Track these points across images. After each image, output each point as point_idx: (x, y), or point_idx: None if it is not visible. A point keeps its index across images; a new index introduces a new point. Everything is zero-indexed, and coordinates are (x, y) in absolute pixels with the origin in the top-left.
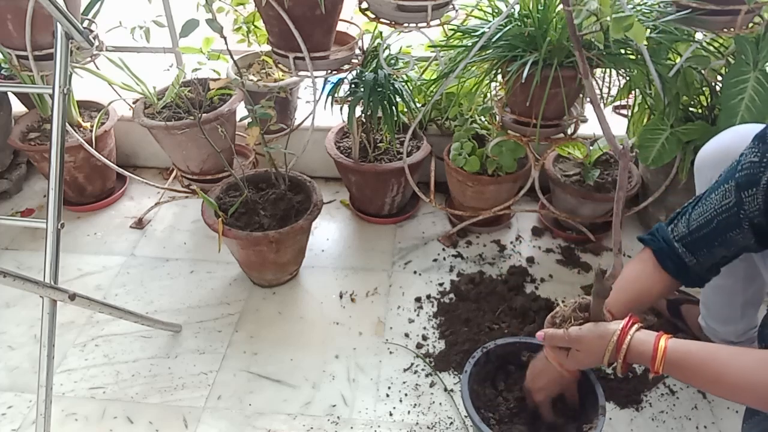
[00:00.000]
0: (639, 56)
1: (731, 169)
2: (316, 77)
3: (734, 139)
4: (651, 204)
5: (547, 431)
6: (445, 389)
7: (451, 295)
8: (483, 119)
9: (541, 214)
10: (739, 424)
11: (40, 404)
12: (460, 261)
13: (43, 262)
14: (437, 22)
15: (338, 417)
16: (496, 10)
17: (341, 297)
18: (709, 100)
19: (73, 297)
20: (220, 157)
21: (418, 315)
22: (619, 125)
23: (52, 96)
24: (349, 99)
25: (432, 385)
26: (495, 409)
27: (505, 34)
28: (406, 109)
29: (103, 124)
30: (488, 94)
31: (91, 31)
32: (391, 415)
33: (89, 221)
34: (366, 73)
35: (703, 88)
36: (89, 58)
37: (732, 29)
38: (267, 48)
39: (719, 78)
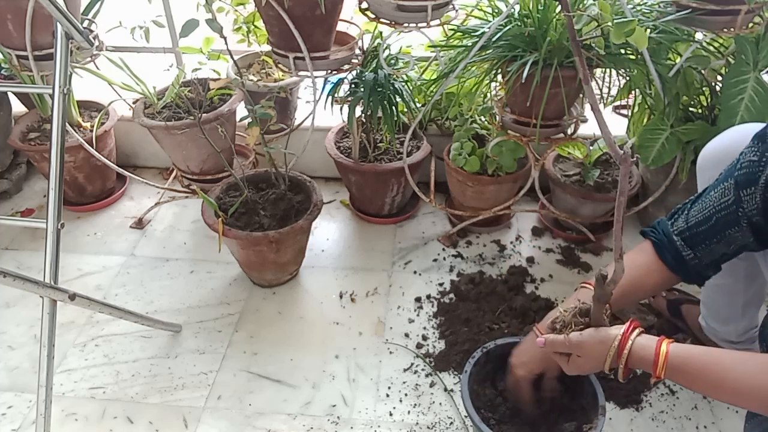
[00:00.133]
0: (639, 56)
1: (731, 167)
2: (316, 77)
3: (736, 139)
4: (651, 204)
5: (547, 431)
6: (445, 389)
7: (451, 295)
8: (483, 119)
9: (541, 214)
10: (739, 424)
11: (40, 404)
12: (460, 261)
13: (43, 262)
14: (437, 22)
15: (338, 417)
16: (496, 10)
17: (341, 297)
18: (709, 100)
19: (73, 297)
20: (220, 157)
21: (418, 315)
22: (619, 125)
23: (52, 96)
24: (349, 99)
25: (432, 385)
26: (495, 409)
27: (505, 34)
28: (406, 109)
29: (103, 124)
30: (488, 94)
31: (91, 31)
32: (391, 415)
33: (89, 221)
34: (366, 73)
35: (703, 88)
36: (89, 58)
37: (732, 29)
38: (267, 48)
39: (719, 78)
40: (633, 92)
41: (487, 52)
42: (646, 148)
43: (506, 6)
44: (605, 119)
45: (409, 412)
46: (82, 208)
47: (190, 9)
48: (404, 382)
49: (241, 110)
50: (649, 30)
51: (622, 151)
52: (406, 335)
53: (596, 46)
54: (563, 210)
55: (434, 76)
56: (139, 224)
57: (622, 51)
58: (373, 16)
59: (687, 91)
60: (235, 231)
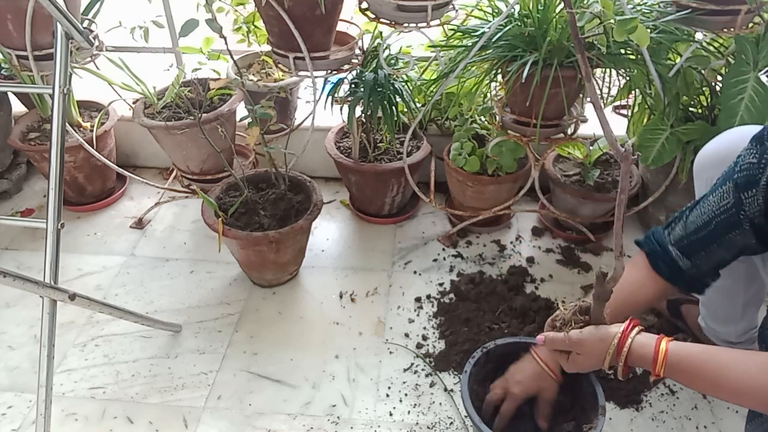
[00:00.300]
0: (639, 56)
1: (729, 170)
2: (316, 77)
3: (733, 141)
4: (651, 204)
5: (547, 431)
6: (445, 389)
7: (451, 295)
8: (483, 119)
9: (541, 214)
10: (739, 424)
11: (40, 404)
12: (460, 261)
13: (43, 262)
14: (437, 22)
15: (338, 417)
16: (496, 10)
17: (341, 297)
18: (709, 100)
19: (73, 297)
20: (220, 157)
21: (418, 315)
22: (619, 125)
23: (52, 96)
24: (349, 99)
25: (432, 385)
26: (495, 409)
27: (505, 34)
28: (406, 109)
29: (103, 124)
30: (488, 94)
31: (91, 31)
32: (391, 415)
33: (89, 221)
34: (366, 73)
35: (703, 88)
36: (89, 58)
37: (732, 29)
38: (267, 48)
39: (719, 78)
40: (633, 92)
41: (487, 52)
42: (646, 148)
43: (506, 6)
44: (607, 120)
45: (409, 412)
46: (82, 208)
47: (190, 9)
48: (404, 382)
49: (241, 110)
50: (649, 30)
51: (623, 149)
52: (406, 335)
53: (598, 44)
54: (563, 210)
55: (434, 76)
56: (139, 224)
57: (623, 51)
58: (373, 16)
59: (687, 91)
60: (235, 231)
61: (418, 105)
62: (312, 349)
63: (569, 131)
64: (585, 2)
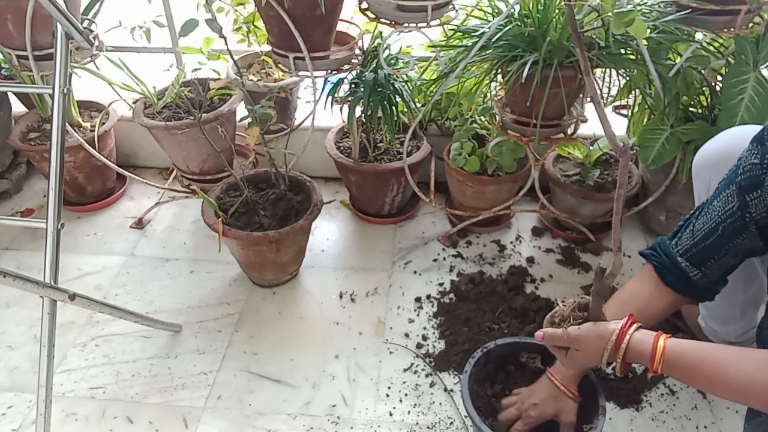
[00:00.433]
0: (639, 56)
1: (731, 173)
2: (316, 77)
3: (732, 141)
4: (651, 204)
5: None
6: (445, 389)
7: (451, 295)
8: (483, 119)
9: (541, 214)
10: (739, 423)
11: (40, 404)
12: (460, 261)
13: (43, 262)
14: (437, 22)
15: (338, 417)
16: (496, 10)
17: (341, 297)
18: (709, 100)
19: (73, 297)
20: (220, 157)
21: (418, 315)
22: (619, 125)
23: (52, 96)
24: (349, 99)
25: (432, 385)
26: (495, 410)
27: (505, 34)
28: (406, 109)
29: (103, 124)
30: (488, 94)
31: (91, 31)
32: (391, 415)
33: (89, 221)
34: (366, 73)
35: (703, 88)
36: (89, 58)
37: (732, 29)
38: (267, 48)
39: (719, 78)
40: (633, 92)
41: (487, 52)
42: (646, 148)
43: (506, 6)
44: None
45: (409, 412)
46: (82, 208)
47: (190, 9)
48: (404, 382)
49: (241, 110)
50: (649, 30)
51: (621, 144)
52: (406, 335)
53: (597, 38)
54: (563, 210)
55: (434, 76)
56: (139, 224)
57: (623, 51)
58: (373, 16)
59: (687, 91)
60: (235, 231)
61: (418, 105)
62: (312, 349)
63: (569, 131)
64: None
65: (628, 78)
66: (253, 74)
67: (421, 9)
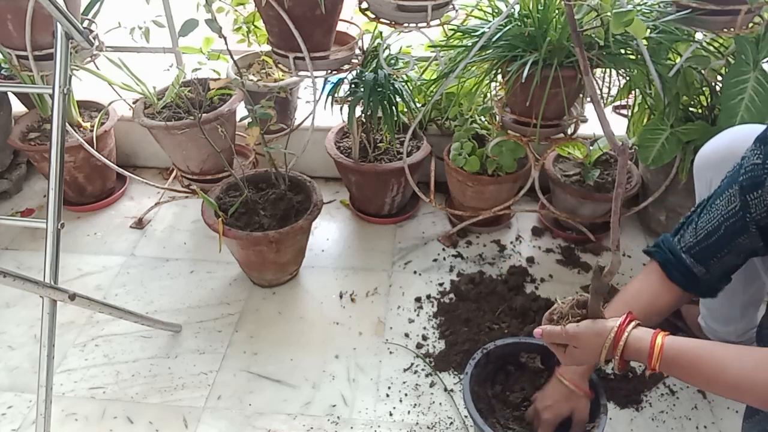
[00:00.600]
0: (639, 56)
1: (734, 172)
2: (316, 77)
3: (733, 140)
4: (651, 204)
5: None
6: (445, 389)
7: (451, 295)
8: (483, 119)
9: (541, 214)
10: (739, 424)
11: (40, 404)
12: (460, 261)
13: (43, 262)
14: (437, 22)
15: (338, 417)
16: (496, 10)
17: (341, 297)
18: (709, 100)
19: (73, 297)
20: (220, 157)
21: (418, 315)
22: (619, 125)
23: (52, 96)
24: (349, 99)
25: (432, 385)
26: (495, 411)
27: (505, 34)
28: (406, 109)
29: (103, 124)
30: (488, 94)
31: (91, 31)
32: (391, 415)
33: (89, 221)
34: (366, 73)
35: (703, 88)
36: (89, 58)
37: (732, 29)
38: (267, 48)
39: (719, 78)
40: (633, 92)
41: (487, 52)
42: (646, 148)
43: (506, 6)
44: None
45: (409, 412)
46: (82, 208)
47: (190, 9)
48: (404, 382)
49: (241, 110)
50: (649, 30)
51: (620, 143)
52: (406, 335)
53: (597, 37)
54: (563, 210)
55: (434, 76)
56: (139, 224)
57: (623, 51)
58: (373, 16)
59: (687, 91)
60: (235, 231)
61: (418, 105)
62: (312, 349)
63: (569, 131)
64: None
65: (628, 78)
66: (253, 74)
67: (421, 9)
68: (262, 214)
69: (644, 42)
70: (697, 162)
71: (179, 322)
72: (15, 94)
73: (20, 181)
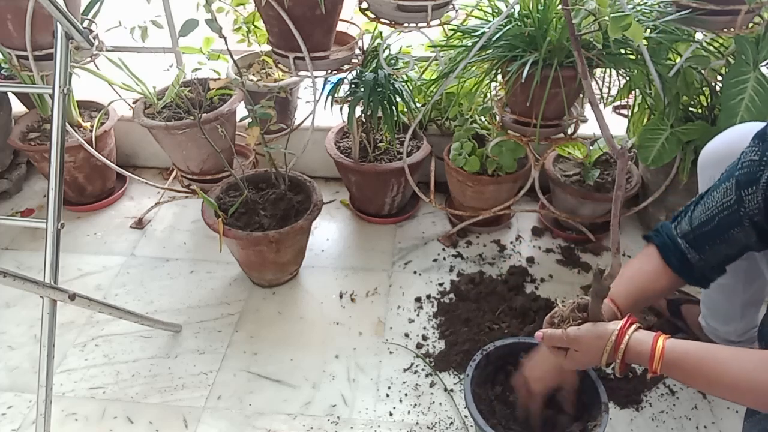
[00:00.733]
0: (639, 56)
1: (732, 167)
2: (316, 77)
3: (737, 138)
4: (651, 204)
5: (550, 431)
6: (445, 389)
7: (451, 295)
8: (483, 119)
9: (541, 214)
10: (739, 423)
11: (40, 404)
12: (460, 261)
13: (43, 262)
14: (437, 22)
15: (338, 417)
16: (496, 10)
17: (341, 297)
18: (709, 100)
19: (73, 297)
20: (220, 157)
21: (418, 315)
22: (619, 125)
23: (52, 96)
24: (349, 99)
25: (432, 385)
26: (495, 411)
27: (505, 34)
28: (406, 109)
29: (103, 124)
30: (488, 94)
31: (91, 31)
32: (391, 415)
33: (89, 221)
34: (366, 73)
35: (703, 88)
36: (89, 58)
37: (732, 29)
38: (267, 48)
39: (719, 78)
40: (633, 92)
41: (487, 52)
42: (646, 148)
43: (506, 6)
44: (604, 117)
45: (409, 412)
46: (82, 208)
47: (190, 9)
48: (404, 382)
49: (241, 110)
50: (649, 30)
51: (619, 146)
52: (406, 335)
53: (595, 41)
54: (563, 210)
55: (434, 76)
56: (139, 224)
57: (622, 51)
58: (373, 16)
59: (687, 91)
60: (235, 231)
61: (418, 105)
62: (312, 349)
63: (569, 131)
64: (582, 0)
65: (628, 78)
66: (253, 74)
67: (421, 9)
68: (262, 214)
69: (644, 42)
70: (701, 159)
71: (179, 322)
72: (15, 94)
73: (20, 181)
